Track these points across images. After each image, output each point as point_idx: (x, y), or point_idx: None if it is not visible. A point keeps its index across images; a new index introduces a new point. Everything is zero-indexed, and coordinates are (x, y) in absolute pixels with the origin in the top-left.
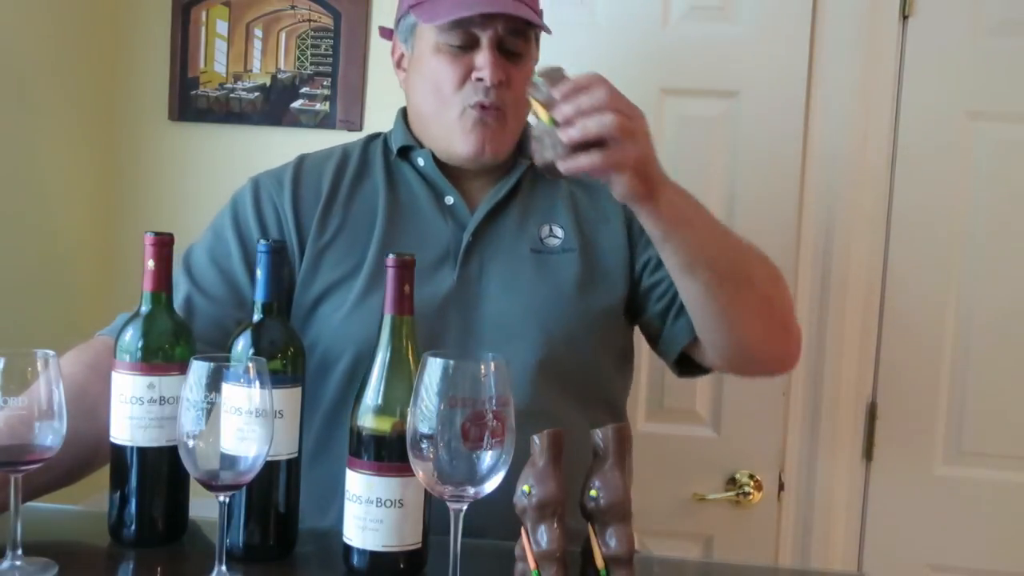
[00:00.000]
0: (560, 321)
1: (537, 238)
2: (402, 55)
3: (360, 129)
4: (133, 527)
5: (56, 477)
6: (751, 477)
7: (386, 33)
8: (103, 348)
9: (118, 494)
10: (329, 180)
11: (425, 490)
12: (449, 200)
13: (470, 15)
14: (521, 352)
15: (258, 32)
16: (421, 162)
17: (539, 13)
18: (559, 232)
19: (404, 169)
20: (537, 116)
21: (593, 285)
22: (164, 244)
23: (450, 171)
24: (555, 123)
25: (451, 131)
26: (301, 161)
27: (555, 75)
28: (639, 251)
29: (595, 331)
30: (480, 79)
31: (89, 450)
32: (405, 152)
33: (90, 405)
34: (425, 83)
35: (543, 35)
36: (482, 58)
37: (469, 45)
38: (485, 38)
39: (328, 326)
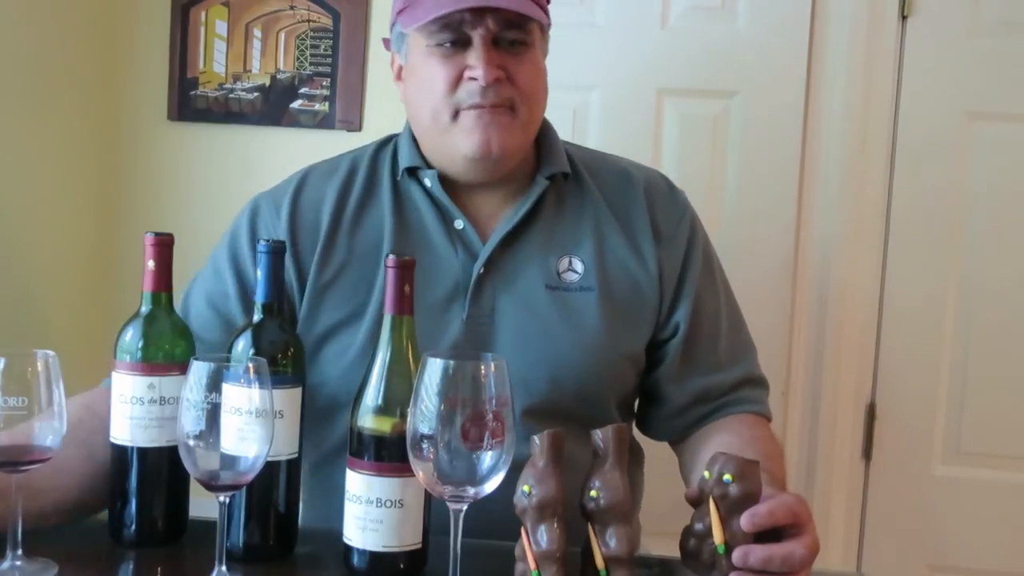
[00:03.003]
0: (573, 370)
1: (554, 272)
2: (400, 67)
3: (359, 129)
4: (133, 527)
5: (45, 513)
6: None
7: (387, 44)
8: (102, 392)
9: (118, 494)
10: (332, 205)
11: (425, 490)
12: (459, 224)
13: (451, 10)
14: (525, 400)
15: (257, 32)
16: (428, 183)
17: None
18: (578, 266)
19: (412, 188)
20: (710, 524)
21: (613, 332)
22: (164, 244)
23: (460, 191)
24: (726, 548)
25: (451, 135)
26: (303, 181)
27: (747, 481)
28: (666, 309)
29: (608, 380)
30: (473, 78)
31: (78, 485)
32: (413, 170)
33: (82, 438)
34: (420, 91)
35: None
36: (474, 56)
37: (461, 43)
38: (477, 36)
39: (334, 371)
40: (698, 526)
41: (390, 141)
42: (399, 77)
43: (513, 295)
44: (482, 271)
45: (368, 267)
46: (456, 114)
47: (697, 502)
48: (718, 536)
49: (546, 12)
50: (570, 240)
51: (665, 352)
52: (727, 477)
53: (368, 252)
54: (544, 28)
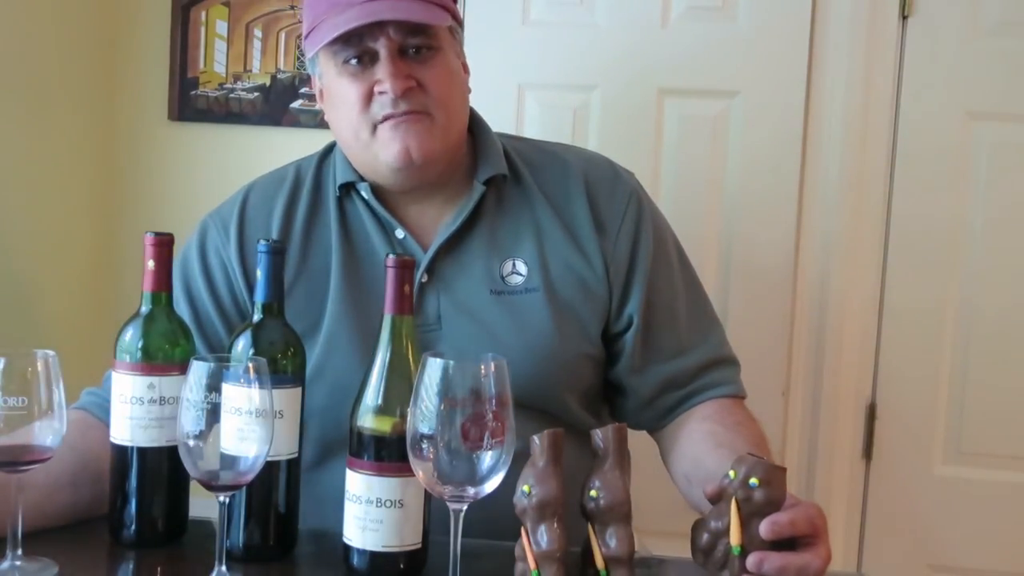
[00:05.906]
0: (523, 372)
1: (498, 276)
2: (321, 89)
3: None
4: (133, 527)
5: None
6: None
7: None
8: (73, 419)
9: (118, 494)
10: (280, 222)
11: (425, 490)
12: (400, 234)
13: (350, 28)
14: None
15: (258, 32)
16: (365, 195)
17: None
18: (522, 268)
19: (355, 200)
20: (728, 523)
21: (562, 331)
22: (164, 244)
23: (398, 201)
24: (741, 550)
25: (372, 150)
26: (247, 197)
27: (772, 488)
28: (616, 302)
29: (562, 378)
30: (384, 92)
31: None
32: (350, 185)
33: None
34: (338, 110)
35: (545, 38)
36: (382, 70)
37: (369, 58)
38: (381, 48)
39: None
40: (715, 524)
41: (333, 150)
42: (321, 99)
43: (457, 302)
44: (424, 280)
45: (319, 284)
46: (374, 129)
47: (716, 499)
48: (735, 538)
49: (451, 12)
50: (512, 242)
51: (623, 344)
52: (753, 481)
53: (318, 269)
54: (453, 29)
